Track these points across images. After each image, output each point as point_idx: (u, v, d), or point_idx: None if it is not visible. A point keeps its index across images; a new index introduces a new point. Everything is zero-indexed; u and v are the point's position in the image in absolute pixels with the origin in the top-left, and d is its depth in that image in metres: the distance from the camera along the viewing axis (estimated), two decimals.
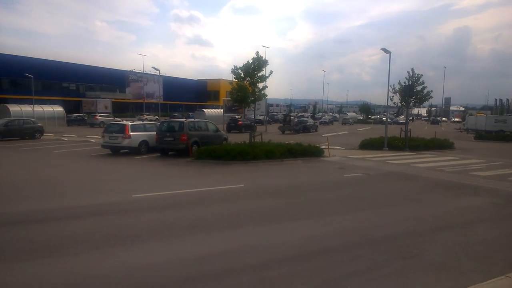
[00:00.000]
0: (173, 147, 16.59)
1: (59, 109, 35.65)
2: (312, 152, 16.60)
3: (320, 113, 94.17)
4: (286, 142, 17.63)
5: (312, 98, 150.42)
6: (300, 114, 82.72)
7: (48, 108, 34.89)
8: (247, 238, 6.31)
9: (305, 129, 36.72)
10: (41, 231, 6.47)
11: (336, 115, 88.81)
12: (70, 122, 40.85)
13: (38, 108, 33.69)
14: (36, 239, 5.97)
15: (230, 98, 22.27)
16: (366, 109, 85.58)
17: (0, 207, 8.09)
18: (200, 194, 9.72)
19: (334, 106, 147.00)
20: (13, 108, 32.34)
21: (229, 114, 40.16)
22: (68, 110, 42.55)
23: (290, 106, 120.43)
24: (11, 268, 4.93)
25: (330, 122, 61.17)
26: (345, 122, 62.03)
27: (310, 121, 40.97)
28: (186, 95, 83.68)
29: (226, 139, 19.10)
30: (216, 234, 6.44)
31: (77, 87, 66.47)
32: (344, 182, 11.96)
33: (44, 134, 26.23)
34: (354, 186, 11.35)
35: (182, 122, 17.12)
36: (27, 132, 24.96)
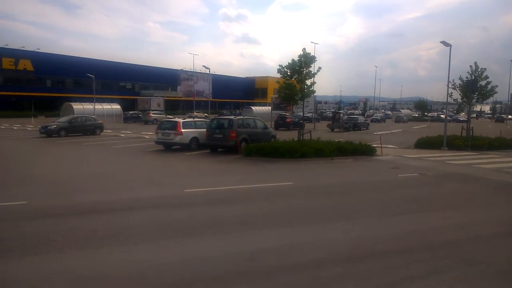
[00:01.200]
0: (222, 144, 16.91)
1: (117, 107, 37.90)
2: (364, 151, 16.09)
3: (371, 110, 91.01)
4: (336, 140, 17.25)
5: (363, 94, 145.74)
6: (350, 111, 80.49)
7: (107, 106, 37.25)
8: (297, 236, 6.24)
9: (355, 127, 35.68)
10: (103, 221, 6.88)
11: (389, 112, 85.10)
12: (126, 119, 43.17)
13: (98, 106, 36.06)
14: (99, 228, 6.36)
15: (278, 96, 22.22)
16: (422, 105, 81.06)
17: (66, 198, 8.74)
18: (250, 190, 9.80)
19: (387, 103, 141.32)
20: (76, 106, 34.88)
21: (277, 112, 40.16)
22: (124, 108, 45.07)
23: (340, 103, 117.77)
24: (78, 255, 5.29)
25: (382, 120, 58.65)
26: (398, 120, 59.03)
27: (361, 119, 39.68)
28: (234, 92, 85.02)
29: (274, 137, 19.11)
30: (267, 231, 6.45)
31: (132, 86, 70.24)
32: (399, 182, 11.45)
33: (104, 131, 27.93)
34: (410, 186, 10.82)
35: (231, 120, 17.39)
36: (88, 128, 26.74)
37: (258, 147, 15.25)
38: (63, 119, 27.66)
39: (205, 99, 71.02)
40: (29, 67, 55.98)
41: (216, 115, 43.58)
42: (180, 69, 77.98)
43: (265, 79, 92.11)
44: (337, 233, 6.41)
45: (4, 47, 54.02)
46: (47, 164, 14.40)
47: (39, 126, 26.45)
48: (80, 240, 5.82)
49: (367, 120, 44.79)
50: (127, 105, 51.97)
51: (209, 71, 39.46)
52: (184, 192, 9.34)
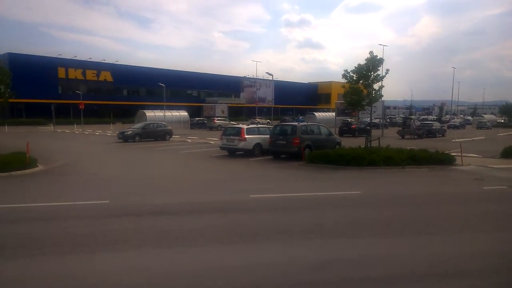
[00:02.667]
0: (286, 150, 16.87)
1: (184, 114, 39.72)
2: (441, 160, 14.92)
3: (448, 115, 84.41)
4: (408, 148, 16.25)
5: (437, 98, 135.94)
6: (422, 116, 75.58)
7: (176, 113, 39.21)
8: (367, 248, 5.96)
9: (429, 133, 33.17)
10: (175, 222, 7.22)
11: (469, 117, 78.07)
12: (192, 126, 45.13)
13: (168, 113, 38.12)
14: (171, 229, 6.67)
15: (343, 101, 21.64)
16: (508, 110, 72.26)
17: (142, 198, 9.34)
18: (314, 198, 9.62)
19: (466, 107, 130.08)
20: (149, 114, 37.16)
21: (341, 118, 39.16)
22: (191, 115, 47.21)
23: (410, 108, 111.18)
24: (153, 253, 5.60)
25: (461, 126, 53.56)
26: (481, 126, 53.40)
27: (436, 125, 36.52)
28: (296, 98, 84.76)
29: (339, 143, 18.62)
30: (335, 241, 6.25)
31: (198, 94, 73.46)
32: (483, 195, 10.43)
33: (172, 136, 29.48)
34: (496, 201, 9.80)
35: (294, 126, 17.31)
36: (159, 134, 28.42)
37: (323, 154, 14.95)
38: (137, 125, 29.72)
39: (267, 105, 71.77)
40: (109, 78, 61.39)
41: (278, 121, 43.78)
42: (243, 76, 79.90)
43: (328, 84, 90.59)
44: (411, 248, 6.00)
45: (88, 60, 59.89)
46: (125, 166, 15.57)
47: (117, 132, 28.81)
48: (154, 239, 6.15)
49: (443, 126, 41.51)
50: (193, 112, 54.29)
51: (273, 77, 39.73)
52: (249, 198, 9.45)
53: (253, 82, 78.96)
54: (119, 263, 5.22)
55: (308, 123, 20.32)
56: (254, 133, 18.18)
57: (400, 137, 32.13)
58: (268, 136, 17.71)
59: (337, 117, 39.43)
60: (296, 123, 18.48)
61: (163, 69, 67.13)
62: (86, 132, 37.00)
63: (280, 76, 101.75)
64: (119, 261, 5.30)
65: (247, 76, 79.83)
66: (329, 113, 52.90)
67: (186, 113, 40.10)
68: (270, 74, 40.79)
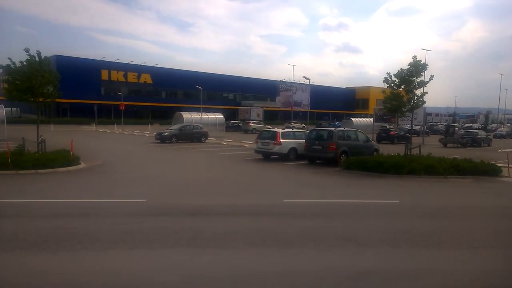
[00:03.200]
0: (321, 155, 16.61)
1: (220, 116, 40.32)
2: (486, 170, 14.07)
3: (494, 124, 79.83)
4: (451, 157, 15.49)
5: (482, 106, 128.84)
6: (466, 124, 71.98)
7: (212, 116, 39.91)
8: (405, 260, 5.70)
9: (474, 142, 31.53)
10: (209, 224, 7.28)
11: None
12: (227, 128, 45.66)
13: (204, 116, 38.86)
14: (206, 230, 6.73)
15: (382, 107, 21.01)
16: None
17: (178, 198, 9.54)
18: (351, 205, 9.37)
19: None
20: (186, 115, 38.07)
21: (380, 124, 38.07)
22: (226, 117, 47.82)
23: (454, 115, 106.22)
24: (187, 252, 5.66)
25: (508, 135, 50.21)
26: None
27: (481, 133, 34.66)
28: (333, 103, 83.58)
29: (377, 150, 18.09)
30: (371, 250, 6.03)
31: (234, 97, 74.30)
32: None
33: (208, 138, 29.96)
34: None
35: (331, 131, 17.02)
36: (195, 136, 28.99)
37: (360, 161, 14.57)
38: (174, 127, 30.50)
39: (303, 109, 71.33)
40: (149, 80, 63.54)
41: (314, 126, 43.30)
42: (279, 80, 79.90)
43: (366, 89, 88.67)
44: (454, 262, 5.66)
45: (130, 63, 62.36)
46: (162, 167, 15.98)
47: (155, 133, 29.69)
48: (189, 239, 6.21)
49: (489, 135, 39.26)
50: (229, 115, 54.94)
51: (310, 81, 39.38)
52: (283, 202, 9.38)
53: (289, 86, 78.74)
54: (155, 261, 5.31)
55: (345, 129, 19.92)
56: (289, 137, 18.07)
57: (442, 146, 30.73)
58: (304, 140, 17.53)
59: (375, 123, 38.39)
60: (332, 128, 18.16)
61: (200, 72, 68.58)
62: (126, 132, 38.44)
63: (317, 80, 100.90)
64: (155, 259, 5.40)
65: (283, 80, 79.75)
66: (367, 119, 51.64)
67: (222, 116, 40.66)
68: (307, 79, 40.49)
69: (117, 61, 61.19)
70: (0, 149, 13.82)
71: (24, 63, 13.90)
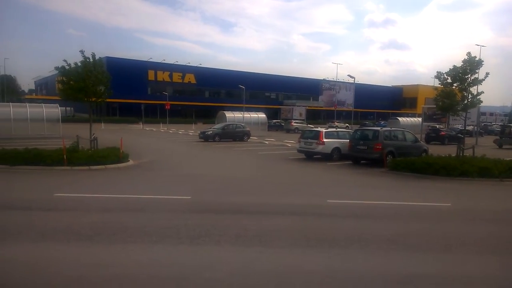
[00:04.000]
0: (366, 155, 16.13)
1: (262, 115, 40.46)
2: None
3: None
4: (507, 159, 14.40)
5: None
6: None
7: (254, 115, 40.15)
8: (457, 265, 5.38)
9: None
10: (252, 222, 7.30)
11: None
12: (269, 127, 45.70)
13: (247, 115, 39.20)
14: (249, 228, 6.76)
15: (432, 106, 19.97)
16: None
17: (222, 196, 9.69)
18: (397, 208, 8.99)
19: None
20: (228, 115, 38.64)
21: (429, 123, 36.27)
22: (268, 117, 47.95)
23: (510, 115, 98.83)
24: (231, 250, 5.73)
25: None
26: None
27: None
28: (378, 102, 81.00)
29: (426, 151, 17.25)
30: (419, 254, 5.75)
31: (276, 96, 74.30)
32: None
33: (250, 137, 30.18)
34: None
35: (377, 131, 16.47)
36: (238, 135, 29.31)
37: (407, 162, 13.95)
38: (217, 126, 31.07)
39: (346, 109, 69.77)
40: (193, 80, 65.27)
41: (358, 125, 42.17)
42: (322, 79, 78.75)
43: (415, 87, 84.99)
44: (509, 270, 5.24)
45: (175, 63, 64.40)
46: (205, 165, 16.34)
47: (198, 132, 30.42)
48: (233, 236, 6.28)
49: None
50: (271, 114, 55.17)
51: (355, 80, 38.34)
52: (327, 203, 9.21)
53: (333, 85, 77.34)
54: (201, 256, 5.42)
55: (392, 128, 19.18)
56: (333, 137, 17.74)
57: (498, 147, 28.69)
58: (348, 140, 17.14)
59: (423, 123, 36.62)
60: (378, 128, 17.56)
61: (243, 71, 69.28)
62: (171, 131, 39.75)
63: (361, 78, 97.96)
64: (200, 254, 5.51)
65: (327, 79, 78.50)
66: (414, 118, 49.51)
67: (264, 115, 40.79)
68: (352, 77, 39.54)
69: (163, 61, 63.52)
70: (56, 146, 14.81)
71: (79, 64, 14.78)
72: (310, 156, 18.31)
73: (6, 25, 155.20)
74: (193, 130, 40.43)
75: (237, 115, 38.89)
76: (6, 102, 43.06)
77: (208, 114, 58.27)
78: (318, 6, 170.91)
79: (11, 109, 26.55)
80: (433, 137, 31.89)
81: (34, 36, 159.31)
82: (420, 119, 40.65)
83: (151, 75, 61.86)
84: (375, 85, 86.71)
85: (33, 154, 13.19)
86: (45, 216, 7.40)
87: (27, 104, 29.69)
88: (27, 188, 10.30)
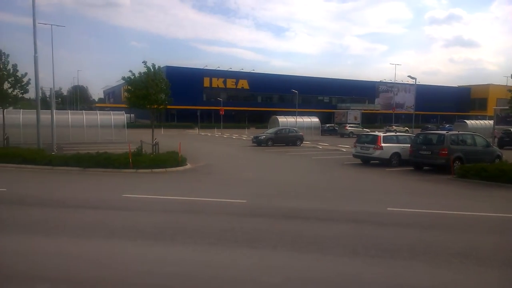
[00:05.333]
0: (430, 161, 15.15)
1: (315, 120, 39.89)
2: None
3: None
4: None
5: None
6: None
7: (307, 119, 39.71)
8: None
9: None
10: (309, 228, 7.17)
11: None
12: (323, 132, 44.95)
13: (299, 119, 38.90)
14: (305, 234, 6.64)
15: (506, 107, 18.28)
16: None
17: (277, 201, 9.66)
18: (467, 218, 8.32)
19: None
20: (281, 119, 38.63)
21: (502, 127, 33.23)
22: (321, 121, 47.20)
23: None
24: (288, 256, 5.64)
25: None
26: None
27: None
28: (442, 104, 76.18)
29: (499, 157, 15.80)
30: (495, 270, 5.23)
31: (330, 100, 72.91)
32: None
33: (303, 142, 29.87)
34: None
35: (442, 135, 15.38)
36: (291, 139, 29.17)
37: (478, 168, 12.84)
38: (270, 130, 31.18)
39: (406, 111, 66.48)
40: (246, 85, 66.34)
41: (419, 129, 39.91)
42: (378, 81, 75.89)
43: (485, 87, 78.70)
44: None
45: (228, 70, 65.95)
46: (259, 169, 16.44)
47: (251, 136, 30.77)
48: (290, 241, 6.20)
49: None
50: (324, 118, 54.14)
51: (415, 81, 36.21)
52: (386, 211, 8.77)
53: (390, 87, 74.20)
54: (257, 260, 5.42)
55: (459, 132, 17.84)
56: (391, 141, 16.93)
57: None
58: (408, 145, 16.26)
59: (495, 126, 33.66)
60: (444, 132, 16.42)
61: (295, 75, 69.02)
62: (224, 136, 40.67)
63: (423, 79, 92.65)
64: (257, 258, 5.51)
65: (383, 81, 75.50)
66: (485, 121, 45.71)
67: (317, 119, 40.19)
68: (412, 78, 37.40)
69: (218, 68, 65.30)
70: (123, 150, 15.79)
71: (142, 73, 15.73)
72: (366, 162, 17.65)
73: (78, 40, 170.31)
74: (246, 135, 41.00)
75: (290, 119, 38.74)
76: (79, 110, 47.03)
77: (260, 119, 58.81)
78: (374, 5, 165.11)
79: (84, 117, 28.98)
80: (507, 141, 29.11)
81: (102, 49, 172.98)
82: (491, 121, 37.38)
83: (206, 82, 63.94)
84: (438, 85, 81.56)
85: (103, 158, 14.22)
86: (114, 215, 7.91)
87: (97, 112, 32.18)
88: (98, 189, 11.13)
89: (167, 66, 56.33)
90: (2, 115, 18.95)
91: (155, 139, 16.43)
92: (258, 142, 27.88)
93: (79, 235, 6.44)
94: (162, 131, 43.62)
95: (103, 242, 6.13)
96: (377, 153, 16.66)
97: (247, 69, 67.45)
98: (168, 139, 29.13)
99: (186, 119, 58.23)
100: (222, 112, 50.42)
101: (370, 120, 66.75)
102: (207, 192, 10.55)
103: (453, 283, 4.84)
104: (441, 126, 50.37)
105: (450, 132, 16.17)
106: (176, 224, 7.15)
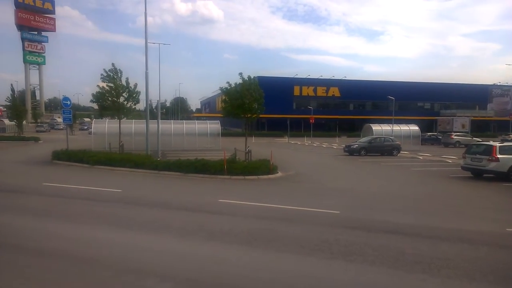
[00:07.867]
0: None
1: (414, 128, 36.91)
2: None
3: None
4: None
5: None
6: None
7: (404, 127, 36.93)
8: None
9: None
10: (411, 245, 6.58)
11: None
12: (423, 141, 41.29)
13: (396, 127, 36.43)
14: (408, 252, 6.11)
15: None
16: None
17: (371, 214, 9.13)
18: None
19: None
20: (375, 128, 36.61)
21: None
22: (421, 129, 43.48)
23: None
24: (389, 273, 5.24)
25: None
26: None
27: None
28: None
29: None
30: None
31: (431, 106, 67.08)
32: None
33: (400, 152, 27.87)
34: None
35: None
36: (386, 149, 27.45)
37: None
38: (363, 139, 29.80)
39: None
40: (337, 93, 64.78)
41: None
42: (491, 84, 67.31)
43: None
44: None
45: (319, 78, 65.24)
46: (352, 179, 15.77)
47: (343, 145, 29.79)
48: (390, 258, 5.76)
49: None
50: (424, 126, 49.84)
51: None
52: (506, 231, 7.64)
53: (506, 91, 65.25)
54: (354, 275, 5.15)
55: None
56: (509, 152, 14.74)
57: None
58: None
59: None
60: None
61: (390, 81, 65.10)
62: (314, 144, 40.14)
63: None
64: (353, 273, 5.24)
65: (498, 84, 66.71)
66: None
67: (417, 127, 37.15)
68: None
69: (308, 77, 65.10)
70: (217, 157, 16.64)
71: (237, 84, 16.47)
72: (478, 175, 15.65)
73: (179, 56, 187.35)
74: (336, 144, 39.92)
75: (385, 127, 36.50)
76: (180, 120, 51.39)
77: (352, 127, 56.73)
78: (483, 1, 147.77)
79: (184, 126, 31.49)
80: None
81: (199, 63, 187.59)
82: None
83: (296, 90, 64.21)
84: None
85: (201, 164, 15.20)
86: (212, 219, 8.32)
87: (195, 121, 34.71)
88: (196, 193, 11.89)
89: (258, 76, 58.04)
90: (118, 125, 21.58)
91: (248, 147, 16.96)
92: (350, 151, 26.88)
93: (182, 235, 6.92)
94: (253, 139, 45.00)
95: (203, 243, 6.46)
96: (492, 165, 14.67)
97: (338, 76, 65.98)
98: (259, 147, 29.88)
99: (276, 128, 59.13)
100: (312, 121, 49.96)
101: (480, 128, 59.36)
102: (299, 201, 10.46)
103: None
104: None
105: None
106: (269, 231, 7.20)
